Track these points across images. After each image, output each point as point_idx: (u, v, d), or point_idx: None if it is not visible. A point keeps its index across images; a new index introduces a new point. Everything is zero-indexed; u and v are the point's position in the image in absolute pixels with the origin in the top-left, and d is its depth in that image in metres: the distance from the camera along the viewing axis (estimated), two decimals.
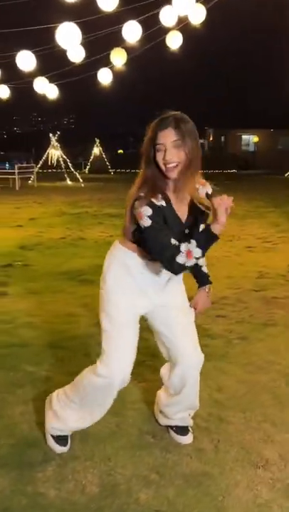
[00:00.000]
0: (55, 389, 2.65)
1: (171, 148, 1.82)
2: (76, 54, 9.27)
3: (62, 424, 2.19)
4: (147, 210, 1.81)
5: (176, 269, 1.82)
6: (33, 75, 9.04)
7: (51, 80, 10.56)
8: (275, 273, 5.46)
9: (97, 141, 26.78)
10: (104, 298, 2.08)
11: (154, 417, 2.48)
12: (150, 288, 2.07)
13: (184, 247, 1.77)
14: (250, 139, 41.08)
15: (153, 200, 1.83)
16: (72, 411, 2.16)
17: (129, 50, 10.04)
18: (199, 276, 2.29)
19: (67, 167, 20.34)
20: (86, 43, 9.26)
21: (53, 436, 2.23)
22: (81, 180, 20.23)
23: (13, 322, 3.90)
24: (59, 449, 2.22)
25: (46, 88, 10.76)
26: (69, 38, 6.66)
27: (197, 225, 1.95)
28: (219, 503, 1.93)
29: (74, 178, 20.59)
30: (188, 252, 1.75)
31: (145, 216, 1.80)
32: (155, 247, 1.84)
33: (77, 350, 3.30)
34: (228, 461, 2.19)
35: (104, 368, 2.02)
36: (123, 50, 10.02)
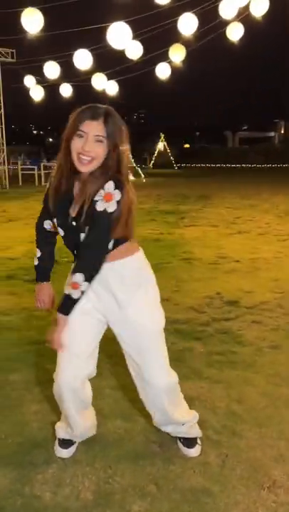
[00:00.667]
0: None
1: (93, 141, 1.71)
2: (133, 51, 9.30)
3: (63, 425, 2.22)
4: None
5: None
6: (90, 73, 9.17)
7: (110, 77, 10.68)
8: None
9: (162, 136, 26.78)
10: None
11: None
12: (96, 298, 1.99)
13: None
14: None
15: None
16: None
17: (188, 43, 9.91)
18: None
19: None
20: (143, 40, 9.26)
21: (59, 439, 2.25)
22: (143, 175, 20.31)
23: (46, 319, 3.97)
24: (60, 451, 2.22)
25: (105, 84, 10.90)
26: (120, 37, 6.66)
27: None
28: None
29: (137, 174, 20.74)
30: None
31: None
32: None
33: (100, 351, 3.30)
34: (232, 479, 2.10)
35: (55, 383, 2.07)
36: (182, 46, 9.91)
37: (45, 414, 2.57)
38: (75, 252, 1.92)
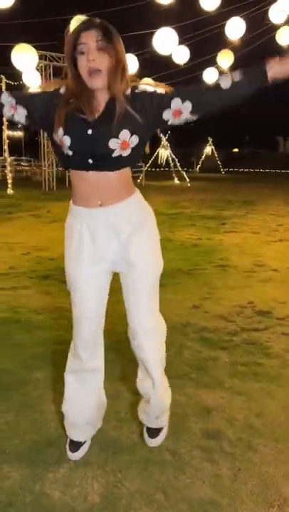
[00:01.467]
0: None
1: (95, 51, 1.68)
2: (180, 56, 9.32)
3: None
4: None
5: None
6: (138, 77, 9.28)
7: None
8: None
9: (210, 140, 26.61)
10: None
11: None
12: (101, 245, 1.93)
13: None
14: None
15: None
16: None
17: (236, 48, 9.81)
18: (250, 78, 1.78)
19: (175, 166, 20.53)
20: (191, 45, 9.26)
21: (70, 440, 2.29)
22: (188, 179, 20.27)
23: None
24: (69, 454, 2.25)
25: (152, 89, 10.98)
26: (166, 42, 6.69)
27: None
28: None
29: (182, 178, 20.72)
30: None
31: None
32: None
33: (124, 354, 3.33)
34: (241, 493, 2.06)
35: (73, 345, 2.27)
36: (230, 52, 9.84)
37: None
38: (90, 161, 1.79)
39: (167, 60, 9.27)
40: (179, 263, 5.98)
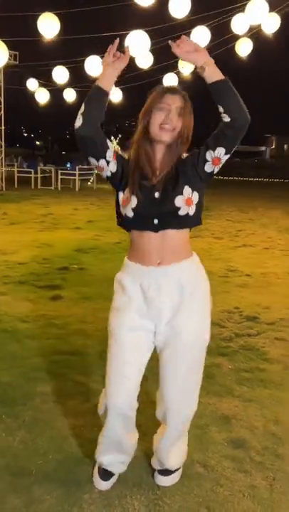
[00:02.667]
0: None
1: (175, 114, 1.79)
2: (145, 60, 9.32)
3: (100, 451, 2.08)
4: None
5: None
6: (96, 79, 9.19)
7: (116, 85, 10.71)
8: None
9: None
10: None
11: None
12: (151, 304, 1.89)
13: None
14: None
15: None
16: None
17: None
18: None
19: None
20: (154, 50, 9.29)
21: (99, 468, 2.12)
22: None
23: (65, 328, 3.90)
24: (100, 483, 2.08)
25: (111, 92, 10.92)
26: (138, 45, 6.67)
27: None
28: None
29: None
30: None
31: None
32: None
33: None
34: (282, 504, 2.05)
35: (105, 399, 1.97)
36: None
37: (82, 429, 2.50)
38: (156, 221, 1.83)
39: (130, 63, 9.24)
40: None
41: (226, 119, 1.74)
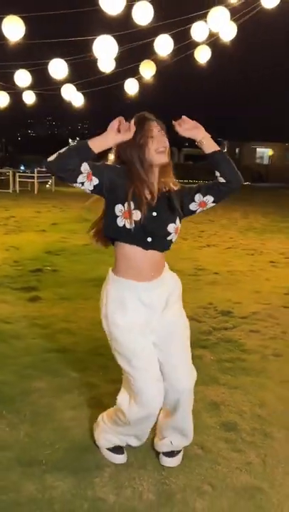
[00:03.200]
0: (103, 397, 2.76)
1: (162, 136, 1.98)
2: (107, 65, 9.43)
3: (112, 436, 2.27)
4: None
5: None
6: (60, 83, 9.22)
7: (78, 88, 10.73)
8: None
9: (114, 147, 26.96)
10: (113, 340, 2.10)
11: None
12: (151, 315, 2.08)
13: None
14: (265, 152, 41.18)
15: None
16: (117, 429, 2.24)
17: (157, 62, 10.18)
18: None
19: None
20: (117, 55, 9.42)
21: (108, 448, 2.30)
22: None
23: (49, 327, 3.98)
24: (118, 458, 2.28)
25: (73, 96, 10.94)
26: (106, 50, 6.80)
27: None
28: None
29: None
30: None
31: None
32: None
33: None
34: (276, 476, 2.25)
35: (141, 408, 2.04)
36: (152, 63, 10.17)
37: (83, 420, 2.61)
38: (149, 239, 1.99)
39: (91, 67, 9.34)
40: None
41: (222, 180, 2.03)
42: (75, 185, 1.90)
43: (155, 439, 2.36)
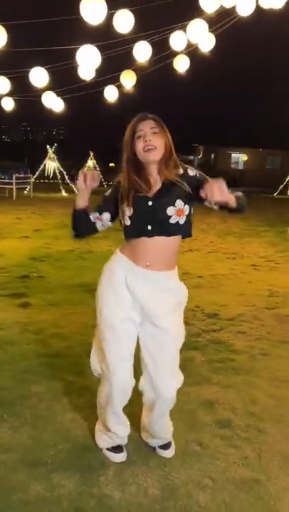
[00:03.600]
0: None
1: (150, 134, 2.07)
2: (87, 72, 9.53)
3: (103, 434, 2.39)
4: None
5: None
6: (40, 90, 9.29)
7: (58, 94, 10.79)
8: (284, 292, 5.69)
9: (92, 154, 26.94)
10: (98, 312, 2.26)
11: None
12: (139, 294, 2.16)
13: None
14: (240, 158, 41.83)
15: None
16: (103, 420, 2.36)
17: (137, 71, 10.33)
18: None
19: (63, 179, 20.46)
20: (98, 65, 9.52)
21: (108, 448, 2.39)
22: (77, 192, 20.28)
23: (41, 333, 4.03)
24: (118, 457, 2.36)
25: (53, 102, 10.99)
26: (88, 59, 6.90)
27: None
28: (272, 507, 2.11)
29: (69, 190, 20.70)
30: None
31: None
32: None
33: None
34: (272, 469, 2.37)
35: (108, 381, 2.23)
36: (133, 73, 10.31)
37: (83, 422, 2.68)
38: (149, 227, 2.09)
39: (72, 75, 9.42)
40: None
41: (233, 207, 2.08)
42: (101, 230, 2.24)
43: (145, 434, 2.48)
